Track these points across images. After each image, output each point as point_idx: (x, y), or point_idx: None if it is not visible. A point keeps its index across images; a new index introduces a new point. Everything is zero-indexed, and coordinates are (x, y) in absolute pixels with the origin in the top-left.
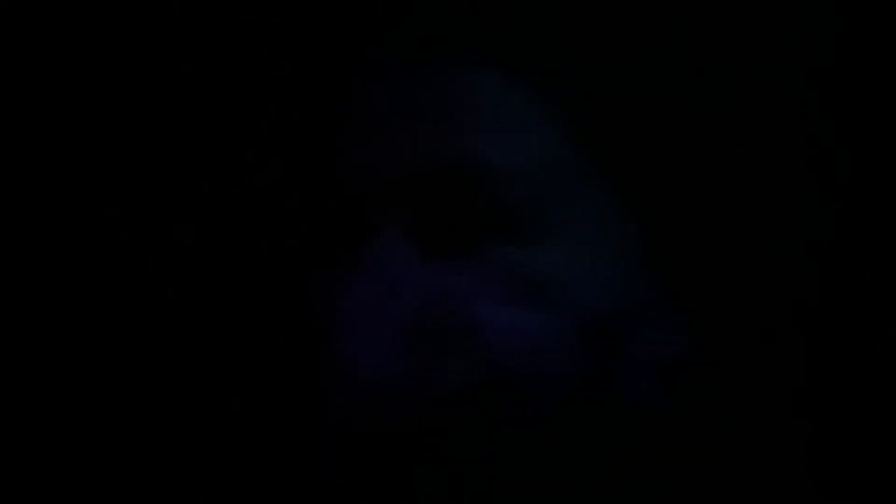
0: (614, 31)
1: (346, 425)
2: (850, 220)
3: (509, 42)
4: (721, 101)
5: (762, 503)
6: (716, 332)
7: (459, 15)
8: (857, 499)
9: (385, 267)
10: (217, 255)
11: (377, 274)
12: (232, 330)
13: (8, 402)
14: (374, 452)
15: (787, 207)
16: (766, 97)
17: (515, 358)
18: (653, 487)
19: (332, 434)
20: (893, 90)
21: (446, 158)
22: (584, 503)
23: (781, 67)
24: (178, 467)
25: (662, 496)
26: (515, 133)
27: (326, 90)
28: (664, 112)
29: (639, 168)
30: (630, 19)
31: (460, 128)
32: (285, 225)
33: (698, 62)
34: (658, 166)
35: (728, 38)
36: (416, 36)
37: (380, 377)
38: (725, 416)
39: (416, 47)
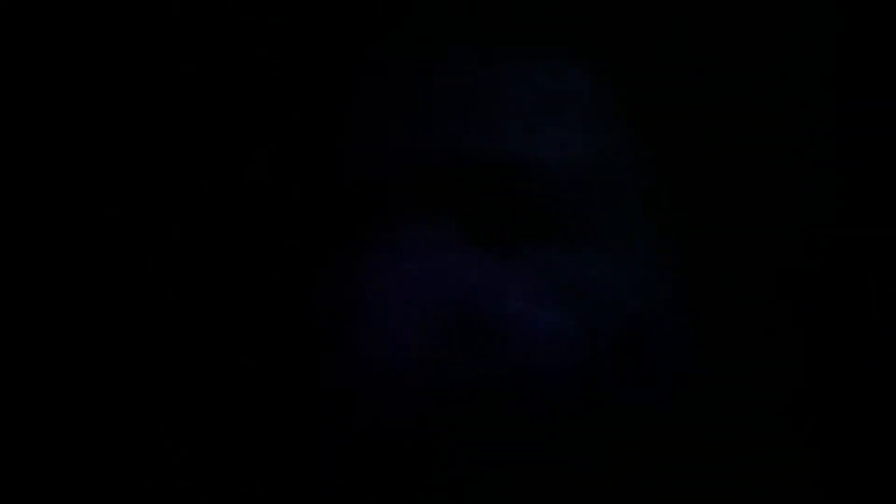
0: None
1: (358, 412)
2: (851, 220)
3: (560, 28)
4: (726, 103)
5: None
6: (727, 343)
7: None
8: (859, 499)
9: (419, 251)
10: (231, 234)
11: (410, 257)
12: (247, 314)
13: (8, 402)
14: (383, 444)
15: (792, 211)
16: (766, 99)
17: (537, 358)
18: (665, 489)
19: (342, 420)
20: (893, 89)
21: (492, 151)
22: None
23: (781, 68)
24: (187, 463)
25: (674, 498)
26: (565, 129)
27: (364, 69)
28: (692, 112)
29: (675, 172)
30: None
31: (507, 120)
32: (317, 202)
33: (702, 62)
34: (690, 171)
35: (729, 38)
36: (469, 19)
37: (398, 363)
38: (735, 420)
39: (472, 30)
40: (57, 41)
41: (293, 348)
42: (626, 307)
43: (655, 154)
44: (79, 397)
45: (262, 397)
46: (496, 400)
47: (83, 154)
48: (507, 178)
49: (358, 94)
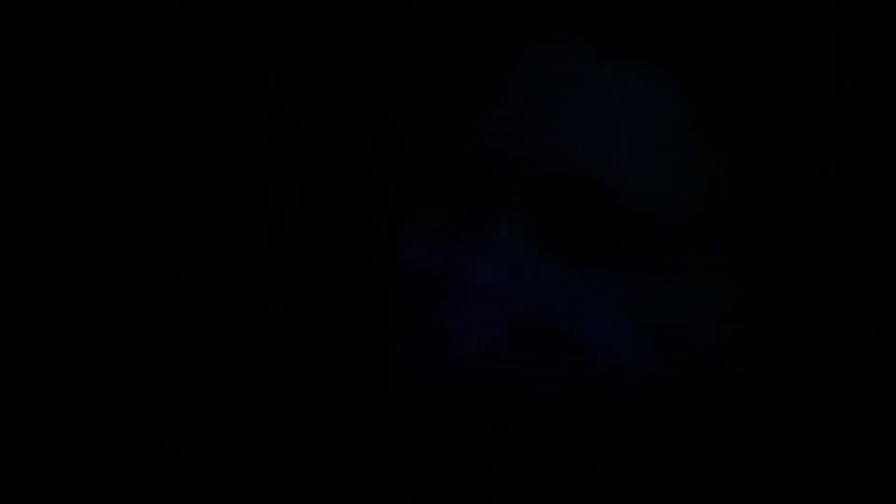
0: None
1: (414, 416)
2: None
3: (646, 45)
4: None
5: None
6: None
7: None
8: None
9: (504, 253)
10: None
11: (496, 258)
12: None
13: (9, 402)
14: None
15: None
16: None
17: (602, 378)
18: None
19: (396, 425)
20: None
21: (581, 165)
22: None
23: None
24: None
25: None
26: (655, 150)
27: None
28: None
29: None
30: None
31: (593, 133)
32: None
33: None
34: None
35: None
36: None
37: (464, 370)
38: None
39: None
40: (57, 41)
41: (349, 351)
42: (695, 341)
43: (738, 185)
44: (100, 395)
45: (317, 400)
46: (557, 413)
47: (87, 154)
48: (593, 193)
49: (441, 90)
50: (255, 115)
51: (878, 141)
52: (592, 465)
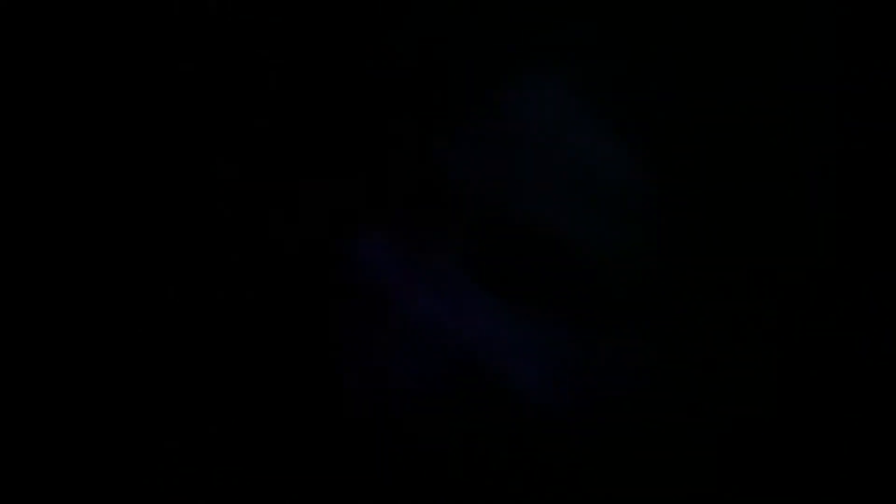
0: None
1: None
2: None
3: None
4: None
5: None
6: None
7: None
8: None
9: (445, 287)
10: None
11: (436, 291)
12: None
13: (10, 402)
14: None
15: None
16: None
17: (522, 416)
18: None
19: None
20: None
21: (536, 212)
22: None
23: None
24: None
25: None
26: (613, 210)
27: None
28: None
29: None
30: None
31: (559, 188)
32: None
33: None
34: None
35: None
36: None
37: (404, 391)
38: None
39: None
40: (57, 41)
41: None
42: (611, 392)
43: (683, 256)
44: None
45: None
46: (474, 442)
47: (90, 152)
48: (540, 242)
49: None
50: (237, 122)
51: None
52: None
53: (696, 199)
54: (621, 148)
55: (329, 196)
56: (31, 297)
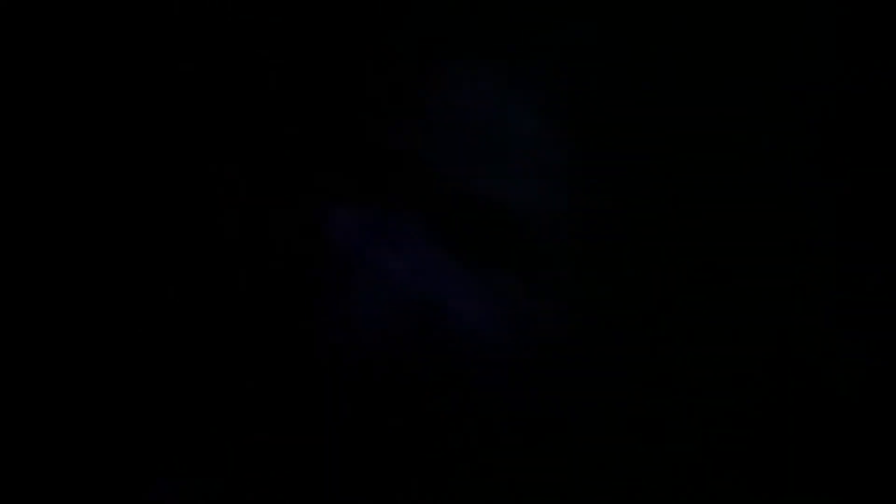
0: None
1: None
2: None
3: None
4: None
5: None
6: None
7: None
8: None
9: (403, 245)
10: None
11: (395, 249)
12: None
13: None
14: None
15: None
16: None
17: (478, 359)
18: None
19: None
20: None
21: (481, 179)
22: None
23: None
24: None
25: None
26: (544, 180)
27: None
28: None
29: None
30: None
31: (492, 153)
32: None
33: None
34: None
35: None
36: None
37: (370, 343)
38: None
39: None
40: (57, 41)
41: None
42: (547, 327)
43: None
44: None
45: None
46: (429, 381)
47: (86, 151)
48: (483, 204)
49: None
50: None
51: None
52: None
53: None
54: (547, 128)
55: (303, 172)
56: (21, 289)
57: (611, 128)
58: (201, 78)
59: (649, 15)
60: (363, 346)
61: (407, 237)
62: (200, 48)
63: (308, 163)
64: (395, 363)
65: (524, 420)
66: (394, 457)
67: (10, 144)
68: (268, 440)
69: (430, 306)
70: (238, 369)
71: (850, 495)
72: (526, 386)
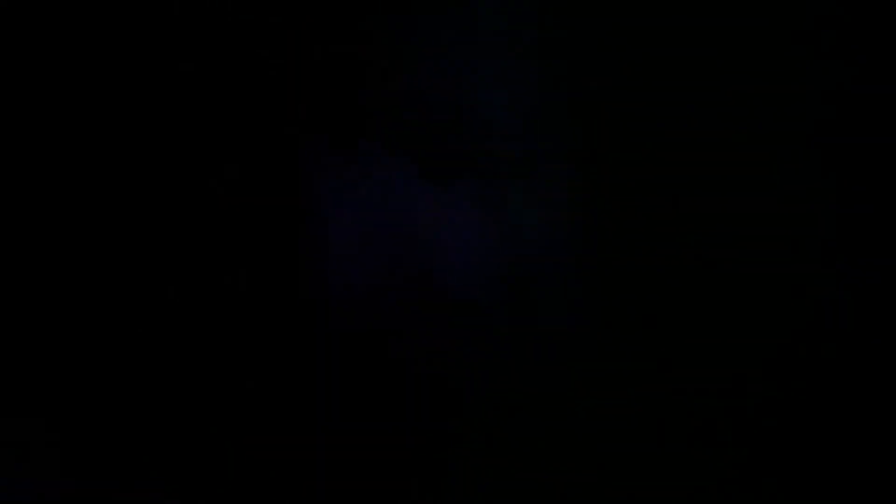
0: None
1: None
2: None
3: None
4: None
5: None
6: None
7: None
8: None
9: (374, 171)
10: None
11: (366, 176)
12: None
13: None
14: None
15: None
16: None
17: (460, 274)
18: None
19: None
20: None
21: (448, 98)
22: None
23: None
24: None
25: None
26: (511, 84)
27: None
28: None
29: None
30: None
31: (465, 72)
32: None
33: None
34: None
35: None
36: None
37: (352, 271)
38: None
39: None
40: (54, 42)
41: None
42: (537, 238)
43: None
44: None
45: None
46: (416, 300)
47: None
48: (456, 120)
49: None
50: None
51: None
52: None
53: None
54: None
55: (272, 105)
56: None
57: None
58: (178, 18)
59: None
60: (344, 284)
61: (375, 159)
62: None
63: (276, 96)
64: (379, 296)
65: (516, 351)
66: (380, 391)
67: (9, 144)
68: (256, 379)
69: (409, 230)
70: (220, 309)
71: (850, 495)
72: (520, 309)
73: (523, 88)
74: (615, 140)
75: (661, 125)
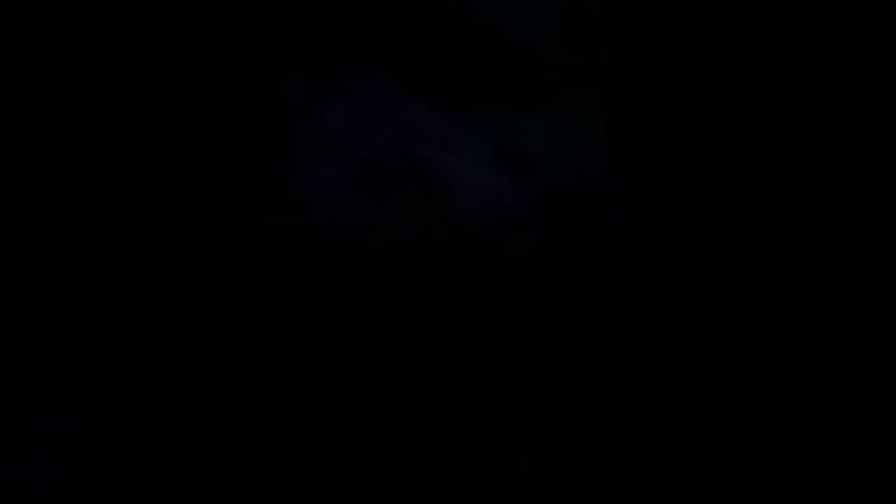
0: None
1: (300, 248)
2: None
3: None
4: None
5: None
6: (669, 231)
7: None
8: None
9: (359, 93)
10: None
11: (350, 98)
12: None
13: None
14: (321, 281)
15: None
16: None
17: (475, 219)
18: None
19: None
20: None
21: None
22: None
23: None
24: None
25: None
26: None
27: None
28: None
29: (646, 49)
30: None
31: None
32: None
33: None
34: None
35: None
36: None
37: (335, 209)
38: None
39: None
40: (57, 43)
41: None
42: (574, 180)
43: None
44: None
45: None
46: (428, 254)
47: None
48: (461, 31)
49: None
50: None
51: None
52: (461, 305)
53: None
54: None
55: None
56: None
57: None
58: None
59: None
60: (334, 222)
61: (366, 82)
62: None
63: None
64: (374, 236)
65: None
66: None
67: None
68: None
69: (408, 164)
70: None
71: (851, 494)
72: (537, 250)
73: None
74: (662, 53)
75: (707, 38)
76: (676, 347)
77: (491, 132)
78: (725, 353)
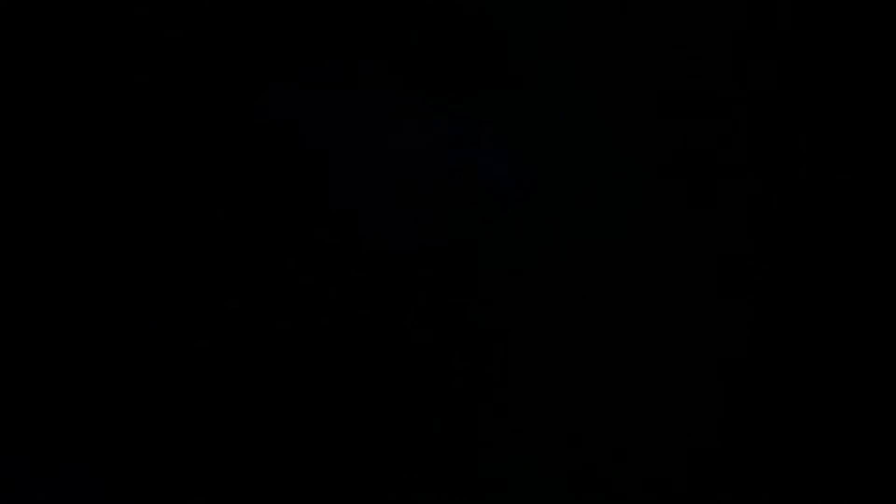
0: None
1: (324, 250)
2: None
3: None
4: None
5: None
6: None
7: None
8: None
9: (370, 103)
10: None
11: (363, 110)
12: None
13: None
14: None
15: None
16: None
17: (507, 203)
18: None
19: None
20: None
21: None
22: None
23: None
24: None
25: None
26: None
27: None
28: None
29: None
30: None
31: None
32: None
33: None
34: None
35: None
36: None
37: (378, 225)
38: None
39: None
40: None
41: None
42: (577, 155)
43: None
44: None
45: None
46: (474, 249)
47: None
48: (466, 21)
49: None
50: None
51: None
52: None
53: None
54: None
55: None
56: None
57: None
58: None
59: None
60: (361, 225)
61: (375, 87)
62: None
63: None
64: (405, 237)
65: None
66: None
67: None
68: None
69: (423, 172)
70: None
71: (850, 494)
72: (556, 242)
73: None
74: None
75: (712, 28)
76: (675, 343)
77: (505, 128)
78: (724, 353)
